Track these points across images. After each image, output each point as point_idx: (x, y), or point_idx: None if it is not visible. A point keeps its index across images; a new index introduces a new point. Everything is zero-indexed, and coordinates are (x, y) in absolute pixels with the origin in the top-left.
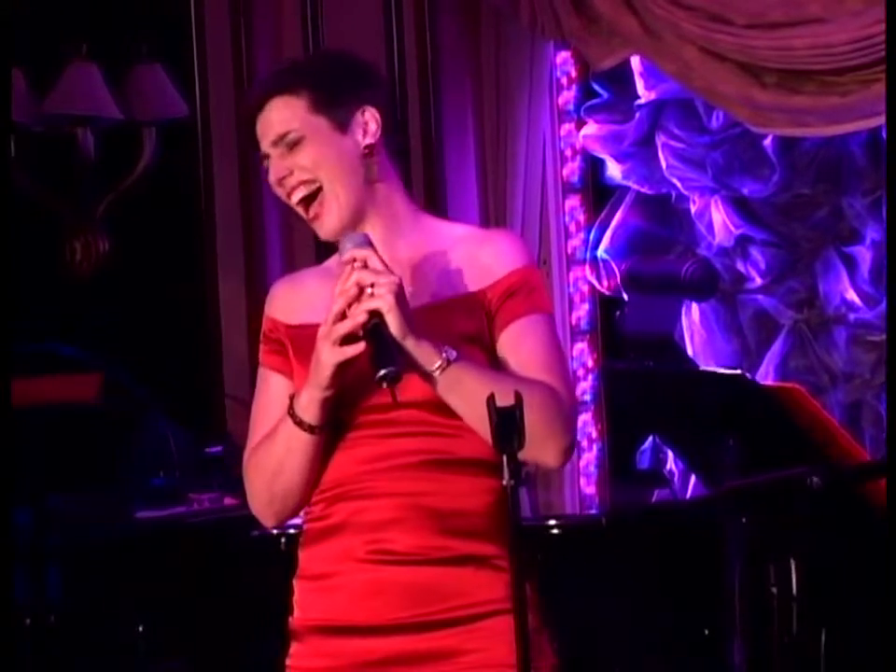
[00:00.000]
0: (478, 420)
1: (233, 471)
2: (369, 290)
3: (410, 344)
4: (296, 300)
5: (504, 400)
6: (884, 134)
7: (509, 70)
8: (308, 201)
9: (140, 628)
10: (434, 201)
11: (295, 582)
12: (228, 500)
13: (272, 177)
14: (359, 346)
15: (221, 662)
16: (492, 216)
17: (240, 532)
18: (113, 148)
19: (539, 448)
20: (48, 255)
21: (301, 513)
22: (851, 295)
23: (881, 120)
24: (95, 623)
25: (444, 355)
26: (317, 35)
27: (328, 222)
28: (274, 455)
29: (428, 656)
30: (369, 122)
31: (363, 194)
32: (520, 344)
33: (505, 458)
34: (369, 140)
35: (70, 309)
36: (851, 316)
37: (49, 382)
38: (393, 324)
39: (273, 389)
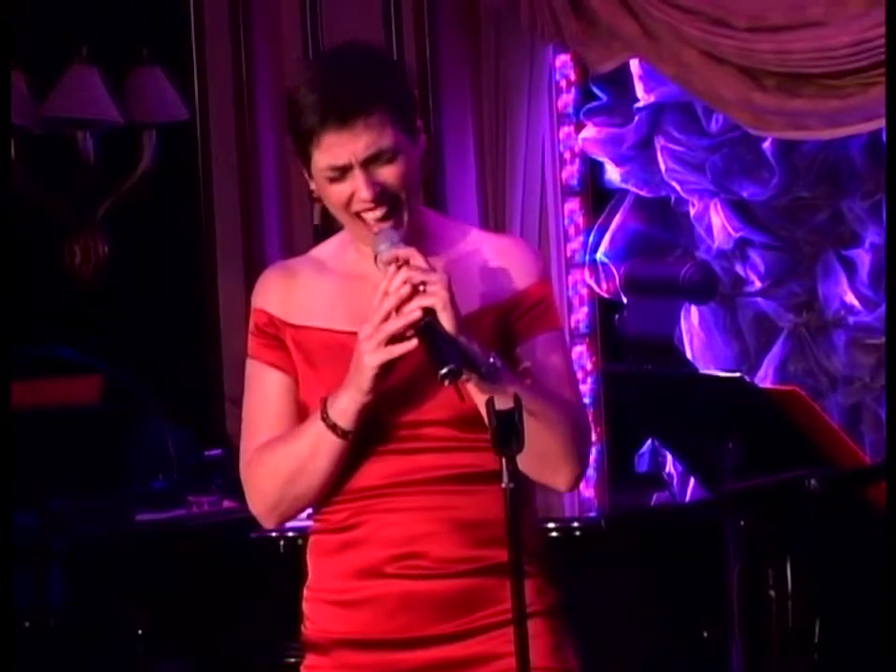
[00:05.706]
0: None
1: (233, 474)
2: (421, 288)
3: (462, 343)
4: (292, 295)
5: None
6: (884, 137)
7: (508, 73)
8: (390, 214)
9: (140, 631)
10: (434, 203)
11: (307, 593)
12: (227, 503)
13: (347, 191)
14: (409, 345)
15: (221, 664)
16: (491, 218)
17: (239, 535)
18: (113, 151)
19: (555, 470)
20: (48, 258)
21: (309, 520)
22: (851, 298)
23: (881, 123)
24: (95, 625)
25: (491, 360)
26: (317, 38)
27: (401, 231)
28: (296, 456)
29: (462, 662)
30: (421, 129)
31: (420, 199)
32: (540, 361)
33: (504, 461)
34: (423, 146)
35: (70, 312)
36: (851, 320)
37: (49, 384)
38: (448, 321)
39: (269, 385)
